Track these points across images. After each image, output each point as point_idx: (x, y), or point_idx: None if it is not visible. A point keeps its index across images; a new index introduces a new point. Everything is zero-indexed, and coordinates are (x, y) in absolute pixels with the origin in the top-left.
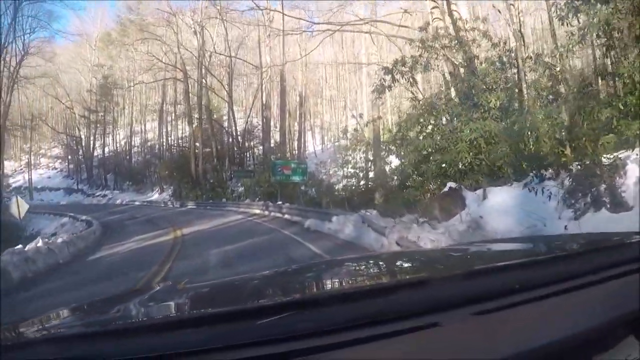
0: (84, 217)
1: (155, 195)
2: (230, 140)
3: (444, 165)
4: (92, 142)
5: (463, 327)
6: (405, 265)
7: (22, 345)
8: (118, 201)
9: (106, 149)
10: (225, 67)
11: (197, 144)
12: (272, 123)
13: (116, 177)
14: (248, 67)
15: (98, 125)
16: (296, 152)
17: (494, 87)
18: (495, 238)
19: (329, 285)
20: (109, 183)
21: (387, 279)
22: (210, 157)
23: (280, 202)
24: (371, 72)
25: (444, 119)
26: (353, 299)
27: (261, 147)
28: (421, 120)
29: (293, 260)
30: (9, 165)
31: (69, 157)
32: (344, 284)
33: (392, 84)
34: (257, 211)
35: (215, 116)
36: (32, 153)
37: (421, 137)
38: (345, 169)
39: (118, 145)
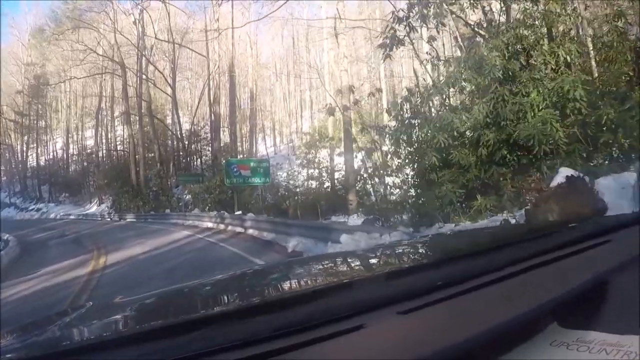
0: (7, 236)
1: (93, 207)
2: (175, 142)
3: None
4: (25, 150)
5: (388, 327)
6: (330, 268)
7: None
8: (52, 215)
9: (41, 158)
10: (168, 59)
11: (138, 148)
12: (221, 120)
13: (51, 188)
14: (193, 61)
15: (31, 131)
16: (246, 154)
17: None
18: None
19: (253, 294)
20: (44, 195)
21: (311, 283)
22: (153, 162)
23: (239, 212)
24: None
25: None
26: (277, 307)
27: (209, 150)
28: (463, 82)
29: None
30: None
31: (1, 167)
32: (266, 293)
33: (408, 35)
34: (210, 224)
35: (158, 116)
36: None
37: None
38: (307, 170)
39: (53, 153)
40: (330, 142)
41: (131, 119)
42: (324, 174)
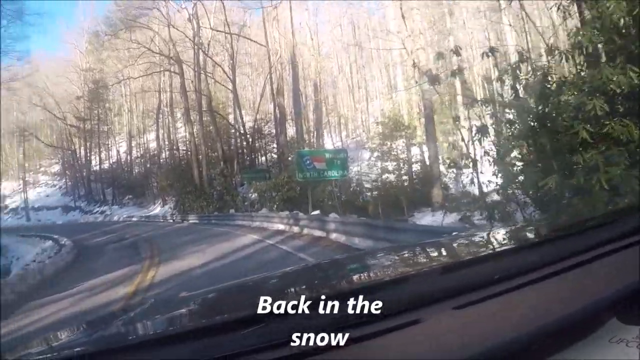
0: (64, 241)
1: (157, 209)
2: (238, 139)
3: None
4: (88, 155)
5: (444, 322)
6: (385, 263)
7: None
8: (115, 217)
9: (105, 161)
10: (227, 52)
11: (200, 147)
12: (287, 111)
13: (115, 191)
14: (252, 56)
15: (93, 135)
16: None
17: None
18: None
19: (308, 289)
20: (108, 198)
21: (366, 278)
22: (216, 161)
23: (316, 212)
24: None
25: None
26: (329, 304)
27: (274, 146)
28: None
29: None
30: (8, 186)
31: (67, 172)
32: (322, 288)
33: None
34: (281, 226)
35: (219, 113)
36: (28, 170)
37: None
38: (381, 163)
39: (117, 155)
40: (406, 131)
41: (192, 117)
42: (402, 166)
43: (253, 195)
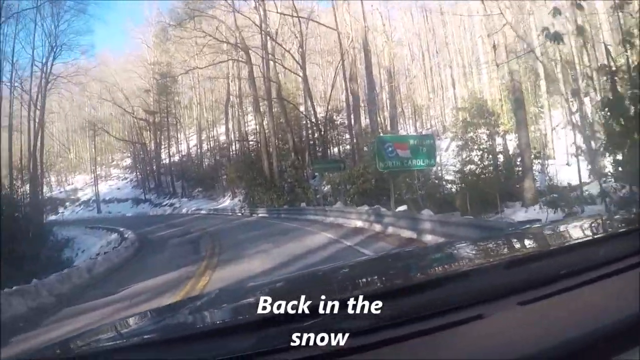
0: (128, 234)
1: (227, 202)
2: (310, 130)
3: None
4: (158, 148)
5: (508, 318)
6: (446, 257)
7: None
8: (184, 210)
9: (175, 154)
10: (296, 37)
11: (270, 138)
12: (361, 98)
13: (185, 183)
14: (322, 41)
15: (162, 128)
16: None
17: None
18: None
19: (368, 284)
20: (177, 190)
21: (427, 273)
22: (287, 152)
23: (403, 208)
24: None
25: None
26: (394, 297)
27: (347, 137)
28: None
29: None
30: (81, 179)
31: (138, 165)
32: (383, 282)
33: None
34: (359, 223)
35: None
36: (100, 164)
37: None
38: (465, 153)
39: (186, 148)
40: (490, 117)
41: (261, 108)
42: (487, 156)
43: (325, 188)
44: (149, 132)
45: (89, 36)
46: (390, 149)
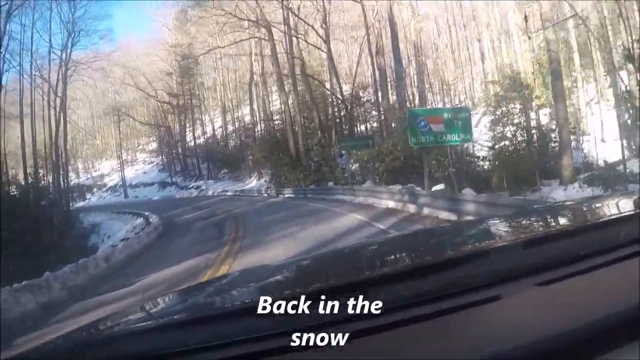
0: (152, 219)
1: (253, 182)
2: (336, 108)
3: None
4: (182, 130)
5: (526, 299)
6: (462, 237)
7: (111, 340)
8: (210, 192)
9: (200, 136)
10: (318, 11)
11: (296, 116)
12: (388, 73)
13: (210, 165)
14: (345, 15)
15: (186, 111)
16: None
17: None
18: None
19: (383, 264)
20: (203, 172)
21: (442, 253)
22: (313, 130)
23: (439, 187)
24: None
25: None
26: (409, 277)
27: (374, 114)
28: None
29: None
30: (107, 165)
31: (164, 149)
32: (399, 262)
33: None
34: (391, 204)
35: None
36: (126, 149)
37: None
38: (499, 128)
39: (211, 130)
40: (524, 90)
41: (285, 88)
42: (521, 132)
43: (353, 167)
44: (173, 115)
45: (107, 21)
46: (423, 123)
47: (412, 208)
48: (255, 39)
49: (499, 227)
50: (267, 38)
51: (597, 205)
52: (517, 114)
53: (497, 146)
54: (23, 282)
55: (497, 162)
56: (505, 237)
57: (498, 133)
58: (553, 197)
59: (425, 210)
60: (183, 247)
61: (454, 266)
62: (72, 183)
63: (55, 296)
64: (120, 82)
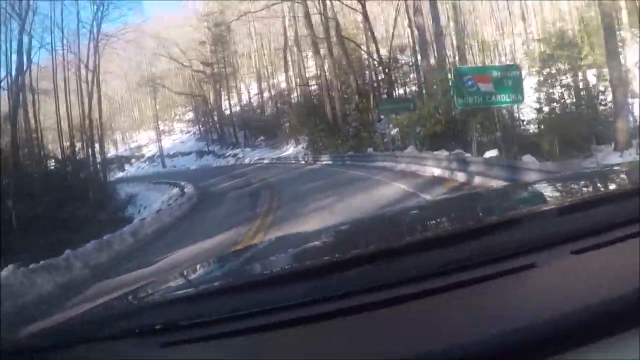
0: (187, 189)
1: (290, 149)
2: (373, 73)
3: None
4: (218, 99)
5: (562, 267)
6: (494, 203)
7: (140, 310)
8: (247, 160)
9: (236, 104)
10: None
11: (332, 81)
12: (427, 34)
13: (247, 133)
14: None
15: (221, 79)
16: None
17: None
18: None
19: (415, 231)
20: (240, 141)
21: (475, 220)
22: (350, 95)
23: (493, 153)
24: None
25: None
26: (441, 245)
27: (412, 77)
28: None
29: None
30: (145, 136)
31: (200, 118)
32: (429, 230)
33: None
34: (437, 172)
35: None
36: (163, 119)
37: None
38: (547, 90)
39: (247, 97)
40: (573, 49)
41: (321, 52)
42: (570, 94)
43: (393, 131)
44: (208, 84)
45: None
46: (470, 82)
47: (461, 176)
48: (289, 2)
49: (533, 193)
50: (299, 1)
51: (634, 172)
52: (565, 74)
53: (545, 109)
54: (40, 262)
55: (545, 126)
56: (542, 202)
57: (545, 95)
58: (604, 162)
59: (477, 179)
60: (215, 219)
61: (488, 233)
62: (110, 155)
63: (75, 276)
64: (153, 54)
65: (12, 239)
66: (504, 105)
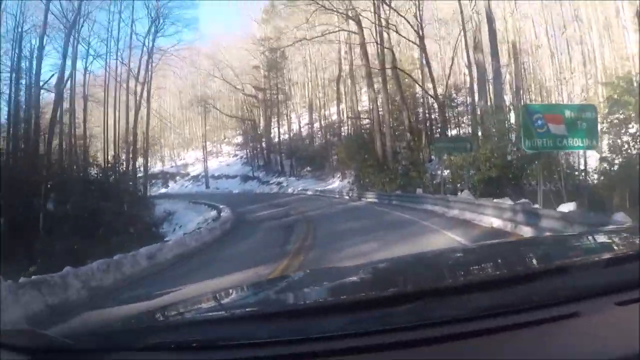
0: (223, 214)
1: (335, 183)
2: (427, 111)
3: None
4: (267, 125)
5: (605, 318)
6: (542, 251)
7: (171, 328)
8: (290, 190)
9: (286, 132)
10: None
11: (384, 116)
12: (487, 70)
13: (293, 162)
14: (438, 12)
15: (272, 105)
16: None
17: None
18: None
19: (462, 273)
20: (286, 169)
21: (522, 266)
22: (402, 132)
23: (569, 206)
24: None
25: None
26: (488, 288)
27: (466, 119)
28: None
29: None
30: (193, 155)
31: (249, 142)
32: (478, 272)
33: None
34: (497, 223)
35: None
36: (212, 141)
37: None
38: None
39: (297, 126)
40: None
41: (375, 87)
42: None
43: (444, 173)
44: (258, 109)
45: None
46: (540, 122)
47: (527, 231)
48: (345, 33)
49: (580, 243)
50: (356, 31)
51: None
52: (631, 122)
53: (612, 158)
54: (32, 277)
55: (613, 178)
56: (586, 254)
57: (611, 142)
58: None
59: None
60: (240, 252)
61: (533, 280)
62: (155, 170)
63: (70, 297)
64: (207, 74)
65: (37, 240)
66: (576, 150)
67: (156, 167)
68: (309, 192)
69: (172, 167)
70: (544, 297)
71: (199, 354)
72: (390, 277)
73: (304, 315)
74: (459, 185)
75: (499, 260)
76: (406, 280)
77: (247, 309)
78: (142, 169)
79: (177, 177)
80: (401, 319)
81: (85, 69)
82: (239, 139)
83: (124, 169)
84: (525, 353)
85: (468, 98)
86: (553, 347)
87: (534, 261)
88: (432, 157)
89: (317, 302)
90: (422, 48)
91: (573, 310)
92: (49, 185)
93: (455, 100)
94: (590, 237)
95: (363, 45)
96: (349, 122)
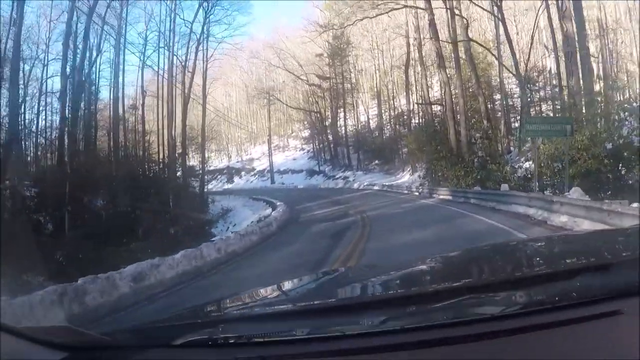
0: (275, 213)
1: (405, 177)
2: (504, 96)
3: None
4: (333, 117)
5: None
6: (583, 248)
7: (225, 321)
8: (355, 185)
9: (354, 124)
10: None
11: (458, 102)
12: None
13: (360, 155)
14: None
15: (338, 96)
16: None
17: None
18: None
19: (502, 269)
20: (353, 163)
21: (563, 263)
22: (478, 120)
23: None
24: None
25: None
26: (528, 284)
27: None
28: None
29: None
30: (259, 149)
31: (315, 136)
32: (518, 268)
33: None
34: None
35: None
36: (279, 135)
37: None
38: None
39: (365, 117)
40: None
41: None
42: None
43: (527, 164)
44: (323, 99)
45: None
46: None
47: None
48: (413, 11)
49: (623, 240)
50: (424, 8)
51: None
52: None
53: None
54: (74, 283)
55: None
56: (629, 251)
57: None
58: None
59: None
60: (271, 264)
61: (574, 277)
62: (221, 166)
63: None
64: (269, 64)
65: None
66: None
67: (222, 162)
68: (376, 187)
69: (238, 162)
70: (585, 294)
71: (236, 351)
72: (429, 274)
73: (340, 312)
74: (556, 180)
75: (545, 256)
76: (446, 277)
77: (283, 306)
78: (199, 164)
79: (243, 173)
80: (440, 316)
81: (143, 62)
82: (306, 133)
83: (178, 166)
84: (566, 351)
85: (553, 80)
86: (594, 345)
87: (575, 257)
88: (512, 148)
89: (354, 299)
90: (501, 19)
91: (614, 308)
92: (113, 184)
93: (537, 84)
94: (634, 233)
95: (432, 22)
96: (420, 111)
